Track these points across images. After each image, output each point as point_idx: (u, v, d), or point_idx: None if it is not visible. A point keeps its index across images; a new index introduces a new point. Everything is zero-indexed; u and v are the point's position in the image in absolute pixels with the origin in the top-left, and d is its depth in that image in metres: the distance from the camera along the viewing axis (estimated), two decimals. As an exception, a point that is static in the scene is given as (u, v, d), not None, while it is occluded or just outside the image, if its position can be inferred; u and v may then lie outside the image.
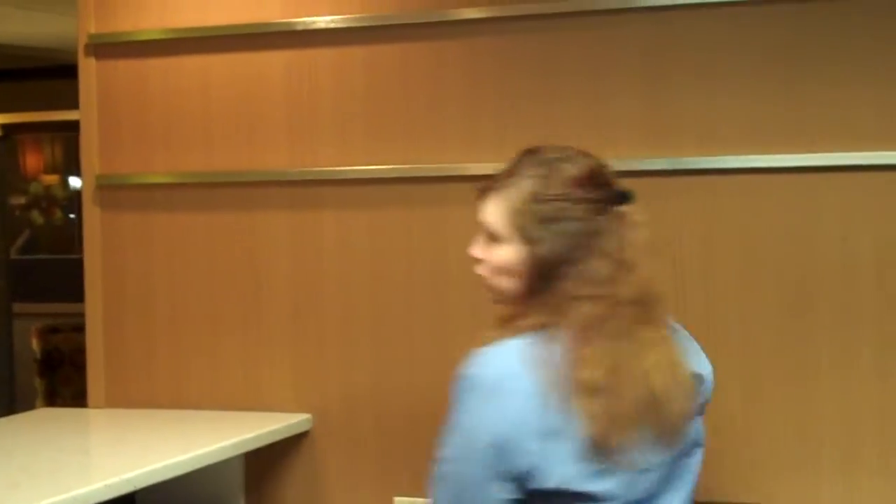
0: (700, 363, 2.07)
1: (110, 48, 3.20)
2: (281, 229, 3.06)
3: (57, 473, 2.47)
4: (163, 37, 3.15)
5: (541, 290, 1.95)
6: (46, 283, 7.04)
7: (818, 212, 2.65)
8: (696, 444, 2.04)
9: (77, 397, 4.58)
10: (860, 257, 2.62)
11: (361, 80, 2.99)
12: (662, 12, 2.73)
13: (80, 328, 3.34)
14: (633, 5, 2.75)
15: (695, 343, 2.10)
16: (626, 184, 2.02)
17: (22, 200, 8.01)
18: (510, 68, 2.86)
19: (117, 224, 3.20)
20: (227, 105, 3.10)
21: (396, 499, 2.93)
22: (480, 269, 2.06)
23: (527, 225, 1.96)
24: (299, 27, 3.03)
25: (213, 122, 3.12)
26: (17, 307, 6.68)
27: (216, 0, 3.10)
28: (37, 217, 8.06)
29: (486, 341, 1.94)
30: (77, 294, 3.27)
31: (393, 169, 2.95)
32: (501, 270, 2.01)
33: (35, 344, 5.80)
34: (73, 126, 3.32)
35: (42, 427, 3.07)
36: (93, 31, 3.21)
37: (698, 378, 2.03)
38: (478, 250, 2.05)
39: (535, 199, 1.96)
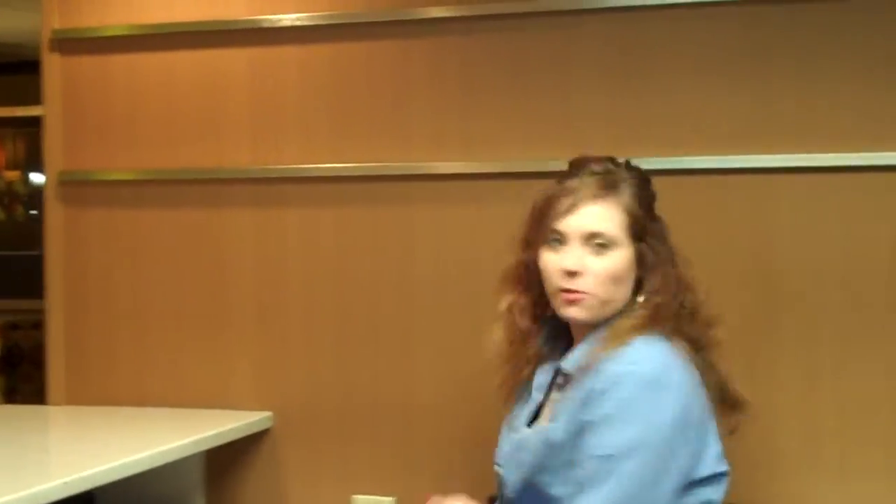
0: None
1: (74, 44, 3.18)
2: (245, 227, 3.05)
3: (15, 471, 2.45)
4: (127, 33, 3.13)
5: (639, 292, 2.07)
6: (6, 279, 6.97)
7: (780, 212, 2.66)
8: None
9: (37, 394, 4.53)
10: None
11: (327, 78, 2.99)
12: (627, 13, 2.74)
13: (40, 325, 3.31)
14: (598, 6, 2.76)
15: None
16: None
17: (-18, 196, 7.93)
18: (476, 67, 2.86)
19: (80, 220, 3.18)
20: (192, 102, 3.09)
21: (355, 497, 2.94)
22: (580, 284, 2.03)
23: (643, 227, 2.05)
24: (265, 24, 3.02)
25: (178, 118, 3.10)
26: (-23, 304, 6.62)
27: (181, -4, 3.09)
28: (-3, 213, 7.99)
29: (613, 342, 1.99)
30: (38, 291, 3.25)
31: (358, 167, 2.95)
32: (615, 278, 2.03)
33: (-6, 340, 5.76)
34: (35, 122, 3.30)
35: (1, 424, 3.04)
36: (57, 26, 3.19)
37: None
38: (576, 262, 2.03)
39: (641, 202, 2.07)
